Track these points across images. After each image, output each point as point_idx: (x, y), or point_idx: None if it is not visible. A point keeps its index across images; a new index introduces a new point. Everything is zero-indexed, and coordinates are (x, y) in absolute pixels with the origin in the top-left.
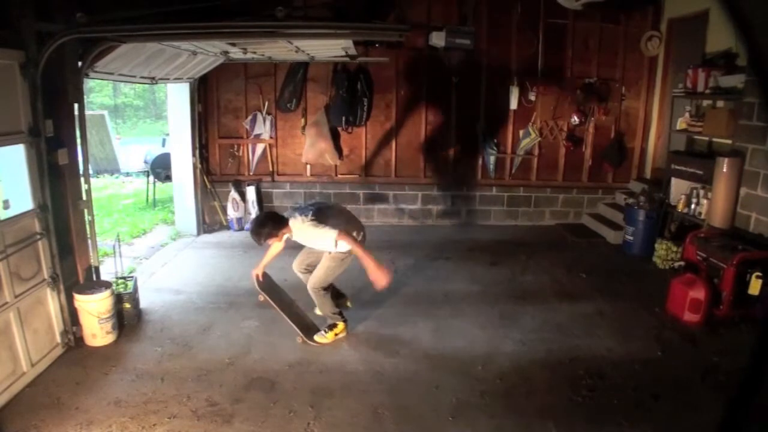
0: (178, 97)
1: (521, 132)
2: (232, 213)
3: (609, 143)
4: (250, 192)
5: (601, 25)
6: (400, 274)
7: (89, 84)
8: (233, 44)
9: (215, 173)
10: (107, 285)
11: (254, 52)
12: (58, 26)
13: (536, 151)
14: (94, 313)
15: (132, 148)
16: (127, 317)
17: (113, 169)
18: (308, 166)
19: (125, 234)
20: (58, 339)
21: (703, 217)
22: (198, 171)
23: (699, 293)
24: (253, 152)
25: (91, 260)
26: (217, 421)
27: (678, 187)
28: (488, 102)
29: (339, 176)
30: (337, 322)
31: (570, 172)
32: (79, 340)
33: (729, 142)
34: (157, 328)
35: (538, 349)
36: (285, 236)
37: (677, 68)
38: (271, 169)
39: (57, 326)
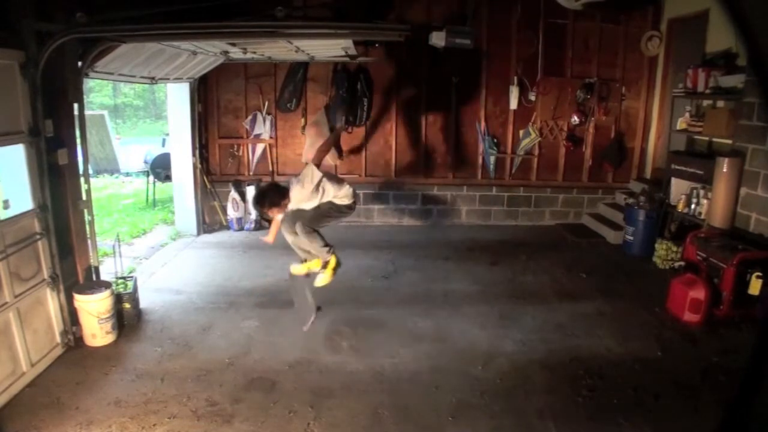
0: (178, 97)
1: (521, 132)
2: (232, 213)
3: (609, 143)
4: (250, 192)
5: (601, 25)
6: (400, 274)
7: (89, 84)
8: (233, 44)
9: (215, 173)
10: (107, 285)
11: (254, 52)
12: (58, 26)
13: (536, 151)
14: (94, 313)
15: (132, 148)
16: (127, 317)
17: (113, 169)
18: None
19: (125, 234)
20: (58, 339)
21: (703, 217)
22: (198, 171)
23: (699, 293)
24: (253, 152)
25: (91, 260)
26: (217, 421)
27: (678, 187)
28: (488, 102)
29: (339, 176)
30: (329, 258)
31: (570, 172)
32: (79, 340)
33: (729, 142)
34: (157, 328)
35: (538, 349)
36: (288, 207)
37: (677, 68)
38: (271, 169)
39: (57, 326)
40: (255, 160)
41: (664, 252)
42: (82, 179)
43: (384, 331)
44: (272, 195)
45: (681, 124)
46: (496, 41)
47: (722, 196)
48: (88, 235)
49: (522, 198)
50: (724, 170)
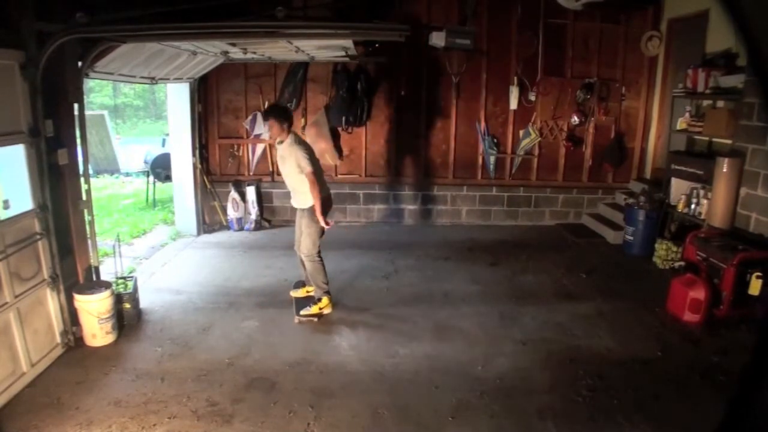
0: (178, 97)
1: (521, 132)
2: (232, 213)
3: (609, 143)
4: (250, 192)
5: (601, 25)
6: (400, 274)
7: (89, 84)
8: (233, 44)
9: (215, 173)
10: (107, 285)
11: (254, 52)
12: (58, 26)
13: (536, 151)
14: (94, 313)
15: (132, 148)
16: (127, 317)
17: (113, 169)
18: None
19: (125, 234)
20: (58, 339)
21: (703, 217)
22: (198, 171)
23: (699, 293)
24: (253, 152)
25: (91, 260)
26: (217, 421)
27: (678, 187)
28: (488, 102)
29: (339, 176)
30: (323, 297)
31: (570, 172)
32: (79, 340)
33: (729, 142)
34: (157, 328)
35: (538, 349)
36: (278, 140)
37: (677, 68)
38: (271, 169)
39: (57, 326)
40: (255, 160)
41: (664, 252)
42: (82, 179)
43: (384, 331)
44: (280, 112)
45: (681, 124)
46: (496, 41)
47: (722, 196)
48: (88, 235)
49: (522, 198)
50: (724, 170)
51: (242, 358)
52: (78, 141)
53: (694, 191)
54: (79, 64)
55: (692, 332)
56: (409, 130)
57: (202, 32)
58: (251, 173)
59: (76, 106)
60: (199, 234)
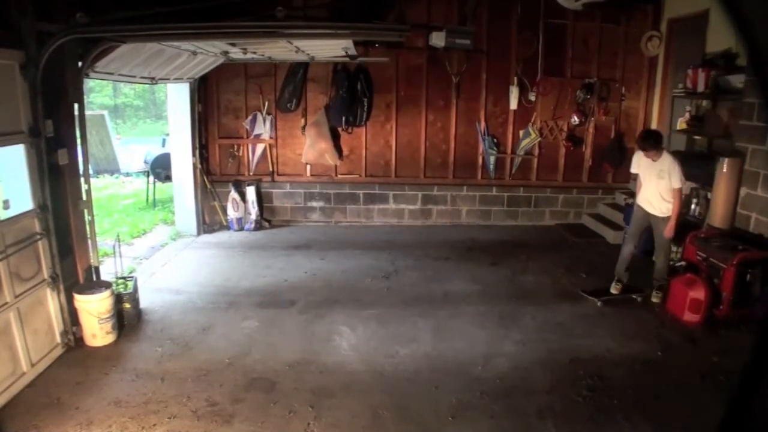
0: (178, 97)
1: (521, 132)
2: (232, 213)
3: (609, 143)
4: (250, 192)
5: (601, 25)
6: (400, 274)
7: (89, 84)
8: (233, 44)
9: (215, 173)
10: (107, 285)
11: (254, 52)
12: (58, 26)
13: (536, 151)
14: (94, 313)
15: (132, 148)
16: (127, 317)
17: (113, 169)
18: (308, 166)
19: (125, 234)
20: (58, 339)
21: (703, 217)
22: (198, 171)
23: (699, 293)
24: (253, 152)
25: (91, 260)
26: (217, 421)
27: None
28: (488, 102)
29: (339, 176)
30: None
31: (570, 172)
32: (79, 340)
33: (729, 142)
34: (157, 328)
35: (538, 349)
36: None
37: (677, 68)
38: (271, 169)
39: (57, 326)
40: (255, 160)
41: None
42: (82, 179)
43: (384, 331)
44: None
45: (681, 124)
46: (496, 41)
47: (722, 196)
48: (89, 235)
49: (522, 198)
50: (724, 170)
51: (242, 358)
52: (78, 141)
53: (694, 191)
54: (79, 64)
55: (692, 332)
56: (409, 130)
57: (202, 32)
58: (251, 173)
59: (76, 106)
60: (199, 234)
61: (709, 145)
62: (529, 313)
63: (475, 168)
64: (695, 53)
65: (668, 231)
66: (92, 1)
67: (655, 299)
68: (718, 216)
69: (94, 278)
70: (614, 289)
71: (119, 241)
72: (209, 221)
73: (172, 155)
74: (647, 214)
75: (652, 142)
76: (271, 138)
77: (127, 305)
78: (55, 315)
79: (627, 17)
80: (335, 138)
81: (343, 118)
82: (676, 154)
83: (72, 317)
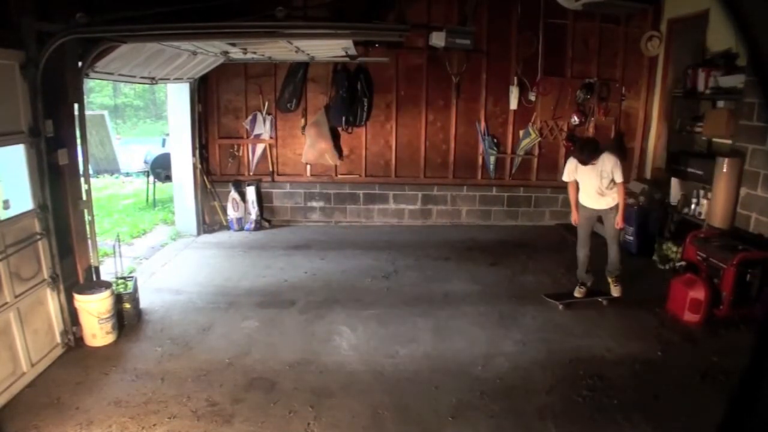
0: (178, 97)
1: (521, 132)
2: (232, 213)
3: (609, 143)
4: (250, 192)
5: (601, 25)
6: (400, 274)
7: (89, 84)
8: (233, 44)
9: (215, 173)
10: (107, 285)
11: (254, 52)
12: (58, 26)
13: (536, 151)
14: (94, 313)
15: (132, 148)
16: (127, 317)
17: (113, 169)
18: (308, 166)
19: (125, 234)
20: (58, 339)
21: (703, 217)
22: (198, 171)
23: (699, 293)
24: (253, 152)
25: (91, 260)
26: (217, 421)
27: (678, 187)
28: (488, 102)
29: (339, 176)
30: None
31: None
32: (79, 340)
33: (729, 142)
34: (157, 328)
35: (538, 349)
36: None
37: (677, 68)
38: (271, 169)
39: (57, 326)
40: (255, 160)
41: (664, 252)
42: (82, 179)
43: (384, 331)
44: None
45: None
46: (496, 41)
47: (722, 196)
48: (88, 235)
49: (522, 198)
50: (724, 170)
51: (242, 358)
52: (78, 141)
53: (694, 191)
54: (79, 64)
55: (692, 332)
56: (409, 130)
57: (202, 32)
58: (251, 173)
59: (76, 106)
60: (199, 234)
61: (709, 145)
62: (529, 313)
63: (475, 168)
64: (695, 53)
65: (619, 221)
66: (92, 1)
67: (615, 293)
68: (718, 216)
69: (94, 278)
70: (578, 293)
71: (119, 241)
72: (209, 221)
73: (172, 155)
74: (594, 212)
75: (593, 152)
76: (271, 138)
77: (127, 305)
78: (55, 315)
79: (627, 17)
80: (335, 138)
81: (343, 118)
82: (611, 150)
83: (72, 317)
